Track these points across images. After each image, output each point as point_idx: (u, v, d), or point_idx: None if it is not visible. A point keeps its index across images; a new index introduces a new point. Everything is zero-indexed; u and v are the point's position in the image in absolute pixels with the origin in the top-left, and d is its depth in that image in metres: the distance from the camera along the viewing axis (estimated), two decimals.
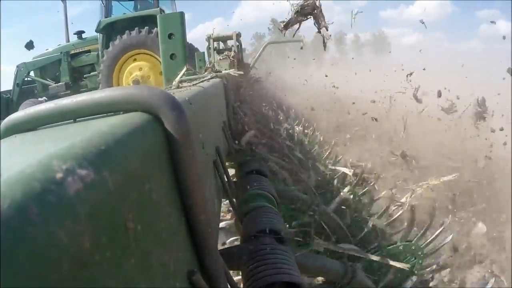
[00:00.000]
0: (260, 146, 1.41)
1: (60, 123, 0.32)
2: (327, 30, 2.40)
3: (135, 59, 6.17)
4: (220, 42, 4.00)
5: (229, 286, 0.44)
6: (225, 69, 2.27)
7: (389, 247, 1.52)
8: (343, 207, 1.74)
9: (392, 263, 1.22)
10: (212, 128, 0.77)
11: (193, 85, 0.90)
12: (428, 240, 1.61)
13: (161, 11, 5.92)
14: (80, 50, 7.20)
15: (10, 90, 7.24)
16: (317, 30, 2.42)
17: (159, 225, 0.28)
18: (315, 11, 2.34)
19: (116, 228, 0.21)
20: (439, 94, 4.35)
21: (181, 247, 0.33)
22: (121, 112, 0.31)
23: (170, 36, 1.65)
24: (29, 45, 7.41)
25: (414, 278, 1.43)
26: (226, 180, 0.81)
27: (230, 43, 4.00)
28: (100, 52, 6.50)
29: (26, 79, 7.24)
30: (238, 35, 4.01)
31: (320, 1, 2.37)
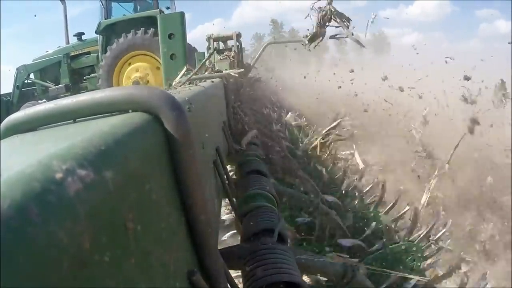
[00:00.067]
0: (260, 146, 1.41)
1: (60, 123, 0.32)
2: (348, 27, 2.37)
3: (135, 61, 6.17)
4: (220, 42, 4.00)
5: (229, 286, 0.44)
6: (225, 69, 2.27)
7: (391, 246, 1.52)
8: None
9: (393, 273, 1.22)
10: (212, 128, 0.78)
11: (192, 84, 0.90)
12: (429, 242, 1.61)
13: (161, 12, 5.93)
14: (80, 52, 7.21)
15: (10, 93, 7.24)
16: (343, 36, 2.40)
17: (159, 225, 0.28)
18: (333, 15, 2.33)
19: (116, 228, 0.21)
20: (466, 78, 4.15)
21: (181, 247, 0.33)
22: (121, 112, 0.31)
23: (170, 36, 1.65)
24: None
25: (413, 281, 1.43)
26: (226, 180, 0.81)
27: (230, 43, 4.00)
28: (100, 54, 6.51)
29: (26, 81, 7.25)
30: (238, 35, 4.01)
31: (332, 3, 2.35)
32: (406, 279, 1.40)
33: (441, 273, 1.61)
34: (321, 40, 2.53)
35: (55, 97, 6.59)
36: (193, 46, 5.92)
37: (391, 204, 1.93)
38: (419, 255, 1.54)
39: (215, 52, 3.83)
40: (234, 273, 0.62)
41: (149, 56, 6.07)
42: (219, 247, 0.53)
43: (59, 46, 7.43)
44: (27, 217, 0.15)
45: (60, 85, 6.95)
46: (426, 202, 2.03)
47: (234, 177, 1.13)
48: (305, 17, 2.43)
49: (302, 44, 2.64)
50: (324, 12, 2.33)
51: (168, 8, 6.63)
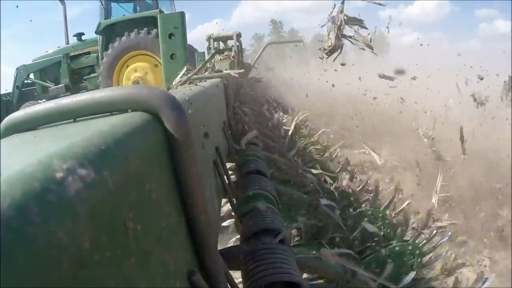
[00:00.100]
0: (260, 146, 1.41)
1: (60, 122, 0.32)
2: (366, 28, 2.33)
3: (135, 61, 6.17)
4: (220, 42, 4.00)
5: (229, 286, 0.44)
6: (225, 69, 2.27)
7: (388, 247, 1.52)
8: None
9: None
10: (212, 128, 0.78)
11: (194, 84, 0.90)
12: (425, 240, 1.61)
13: (161, 12, 5.93)
14: (80, 52, 7.21)
15: (10, 93, 7.24)
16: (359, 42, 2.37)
17: (159, 225, 0.28)
18: (348, 23, 2.30)
19: (116, 228, 0.21)
20: (480, 77, 4.04)
21: (181, 247, 0.33)
22: (122, 112, 0.31)
23: (170, 36, 1.65)
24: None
25: (412, 274, 1.44)
26: (226, 180, 0.81)
27: (230, 43, 4.00)
28: (100, 54, 6.51)
29: (26, 81, 7.25)
30: (238, 35, 4.01)
31: (341, 12, 2.33)
32: (401, 277, 1.41)
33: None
34: (340, 52, 2.50)
35: (55, 97, 6.57)
36: (193, 46, 5.93)
37: (388, 201, 1.92)
38: (417, 252, 1.54)
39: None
40: (234, 273, 0.62)
41: (149, 56, 6.07)
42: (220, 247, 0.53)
43: (59, 46, 7.44)
44: (27, 216, 0.15)
45: (60, 85, 6.95)
46: (436, 204, 2.02)
47: (234, 177, 1.13)
48: (321, 26, 2.41)
49: (320, 58, 2.60)
50: (339, 23, 2.31)
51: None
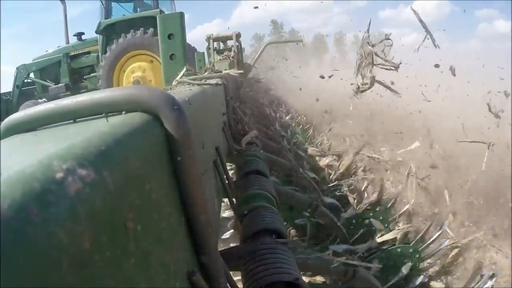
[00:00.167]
0: (260, 146, 1.41)
1: (60, 123, 0.32)
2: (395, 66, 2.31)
3: (135, 60, 6.17)
4: (220, 42, 4.00)
5: (229, 286, 0.44)
6: (225, 69, 2.27)
7: (388, 248, 1.52)
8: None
9: None
10: (212, 128, 0.78)
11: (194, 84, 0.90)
12: (426, 244, 1.61)
13: (161, 12, 5.93)
14: (80, 52, 7.21)
15: (10, 92, 7.24)
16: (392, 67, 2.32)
17: (159, 225, 0.28)
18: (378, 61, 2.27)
19: (116, 228, 0.21)
20: (506, 94, 3.72)
21: (181, 247, 0.33)
22: (122, 112, 0.31)
23: (170, 36, 1.65)
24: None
25: (420, 278, 1.44)
26: (226, 180, 0.81)
27: (230, 43, 4.00)
28: (100, 53, 6.51)
29: (26, 80, 7.25)
30: (238, 36, 4.01)
31: (369, 43, 2.28)
32: (409, 279, 1.41)
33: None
34: (370, 88, 2.46)
35: (55, 96, 6.60)
36: (193, 46, 5.93)
37: (389, 204, 1.92)
38: (417, 256, 1.55)
39: (214, 52, 3.83)
40: (234, 274, 0.62)
41: (149, 55, 6.07)
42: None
43: (59, 46, 7.44)
44: (27, 217, 0.15)
45: (60, 85, 6.96)
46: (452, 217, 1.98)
47: (234, 177, 1.13)
48: (355, 75, 2.37)
49: (355, 96, 2.55)
50: (370, 57, 2.28)
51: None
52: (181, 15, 1.70)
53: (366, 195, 2.16)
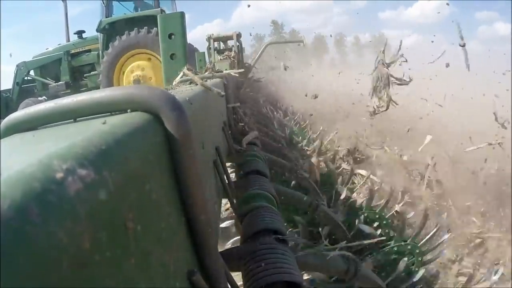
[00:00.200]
0: (260, 146, 1.41)
1: (60, 122, 0.32)
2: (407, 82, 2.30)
3: (135, 59, 6.17)
4: (221, 42, 4.00)
5: (229, 286, 0.44)
6: (226, 69, 2.27)
7: (384, 248, 1.52)
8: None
9: None
10: (212, 128, 0.77)
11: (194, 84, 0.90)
12: (425, 239, 1.61)
13: (162, 11, 5.92)
14: (81, 50, 7.21)
15: (10, 89, 7.24)
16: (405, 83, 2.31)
17: (159, 225, 0.28)
18: (393, 82, 2.27)
19: (116, 228, 0.21)
20: None
21: (181, 247, 0.33)
22: (122, 112, 0.31)
23: (170, 36, 1.65)
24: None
25: (421, 272, 1.44)
26: (226, 180, 0.81)
27: (230, 43, 4.00)
28: (100, 52, 6.51)
29: (26, 78, 7.25)
30: (239, 35, 4.01)
31: (384, 64, 2.27)
32: (411, 274, 1.41)
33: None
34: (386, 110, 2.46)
35: (55, 94, 6.60)
36: (193, 45, 5.93)
37: (384, 202, 1.92)
38: (417, 251, 1.55)
39: (215, 52, 3.83)
40: (234, 274, 0.62)
41: (149, 54, 6.07)
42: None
43: (59, 44, 7.43)
44: (27, 217, 0.15)
45: (60, 82, 6.96)
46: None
47: (234, 177, 1.13)
48: (370, 96, 2.36)
49: (371, 117, 2.54)
50: (387, 79, 2.27)
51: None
52: (182, 14, 1.69)
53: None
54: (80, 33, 7.34)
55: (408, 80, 2.32)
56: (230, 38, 3.95)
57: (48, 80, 7.05)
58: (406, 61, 2.41)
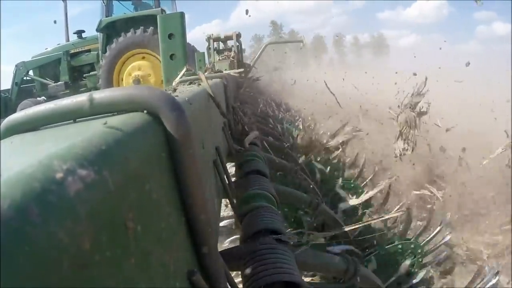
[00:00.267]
0: (260, 146, 1.41)
1: (60, 123, 0.32)
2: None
3: (135, 59, 6.17)
4: (220, 43, 4.00)
5: (229, 286, 0.44)
6: (225, 69, 2.27)
7: (387, 246, 1.52)
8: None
9: None
10: (212, 128, 0.78)
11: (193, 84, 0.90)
12: (428, 238, 1.61)
13: (163, 11, 5.92)
14: (80, 50, 7.20)
15: (9, 89, 7.22)
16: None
17: (159, 225, 0.28)
18: (418, 115, 2.25)
19: (116, 228, 0.21)
20: None
21: (181, 247, 0.33)
22: (122, 112, 0.31)
23: (170, 36, 1.65)
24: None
25: (422, 272, 1.43)
26: (226, 180, 0.81)
27: (230, 43, 4.01)
28: (100, 52, 6.50)
29: (25, 78, 7.23)
30: (238, 36, 4.01)
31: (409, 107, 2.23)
32: (411, 275, 1.40)
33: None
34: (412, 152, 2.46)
35: (54, 94, 6.59)
36: (193, 46, 5.92)
37: (381, 202, 1.93)
38: (419, 251, 1.54)
39: (215, 52, 3.83)
40: (234, 274, 0.62)
41: (149, 54, 6.06)
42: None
43: (59, 43, 7.42)
44: (27, 217, 0.15)
45: (59, 83, 6.94)
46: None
47: (234, 177, 1.13)
48: (395, 139, 2.36)
49: (397, 157, 2.54)
50: (413, 122, 2.26)
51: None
52: (182, 15, 1.69)
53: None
54: (79, 32, 7.33)
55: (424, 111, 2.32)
56: (230, 38, 3.95)
57: (47, 80, 7.03)
58: (428, 90, 2.40)
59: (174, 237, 0.31)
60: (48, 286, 0.15)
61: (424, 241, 1.59)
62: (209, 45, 3.97)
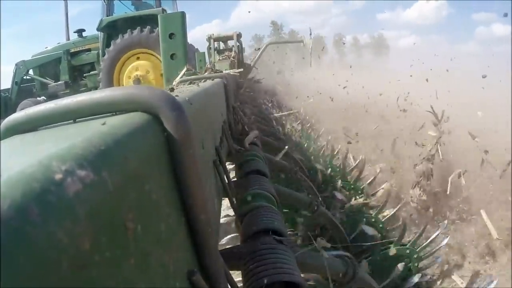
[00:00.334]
0: (260, 146, 1.41)
1: (60, 123, 0.32)
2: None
3: (136, 58, 6.16)
4: (220, 42, 4.00)
5: (229, 286, 0.44)
6: (226, 69, 2.27)
7: (383, 251, 1.53)
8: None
9: None
10: (212, 128, 0.78)
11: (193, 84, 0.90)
12: (424, 244, 1.61)
13: (164, 10, 5.92)
14: (80, 49, 7.20)
15: (9, 88, 7.22)
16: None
17: (159, 225, 0.28)
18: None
19: (115, 228, 0.21)
20: None
21: (181, 247, 0.33)
22: (122, 112, 0.31)
23: (170, 36, 1.65)
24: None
25: (416, 278, 1.44)
26: (226, 180, 0.81)
27: (230, 43, 4.00)
28: (100, 51, 6.50)
29: (25, 77, 7.22)
30: (239, 36, 4.01)
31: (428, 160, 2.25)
32: (407, 278, 1.40)
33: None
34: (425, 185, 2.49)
35: (54, 93, 6.59)
36: (194, 46, 5.92)
37: (381, 204, 1.93)
38: (415, 256, 1.55)
39: (215, 52, 3.83)
40: (234, 274, 0.62)
41: (150, 54, 6.06)
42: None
43: (59, 43, 7.42)
44: (27, 217, 0.15)
45: (59, 82, 6.94)
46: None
47: (234, 177, 1.13)
48: (411, 188, 2.39)
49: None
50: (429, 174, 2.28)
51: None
52: (183, 14, 1.69)
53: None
54: (80, 31, 7.33)
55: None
56: (230, 38, 3.95)
57: (47, 79, 7.03)
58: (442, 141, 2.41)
59: (174, 237, 0.31)
60: (47, 286, 0.15)
61: (420, 247, 1.59)
62: (209, 45, 3.97)
